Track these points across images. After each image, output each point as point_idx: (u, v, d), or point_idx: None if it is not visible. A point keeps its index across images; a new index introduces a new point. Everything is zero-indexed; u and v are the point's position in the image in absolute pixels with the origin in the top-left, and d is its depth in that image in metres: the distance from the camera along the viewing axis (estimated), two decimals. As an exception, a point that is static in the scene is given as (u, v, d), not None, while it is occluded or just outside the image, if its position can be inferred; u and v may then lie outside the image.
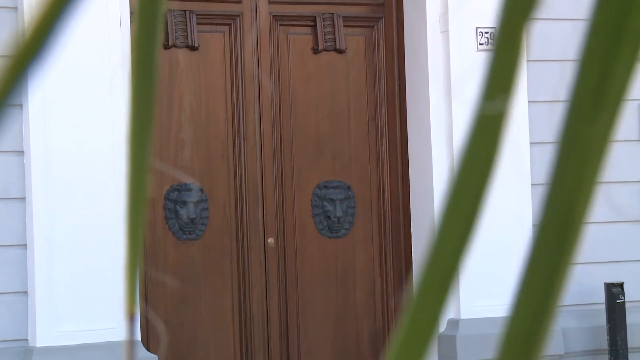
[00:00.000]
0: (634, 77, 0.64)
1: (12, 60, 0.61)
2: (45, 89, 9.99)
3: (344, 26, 11.48)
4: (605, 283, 11.03)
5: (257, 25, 11.22)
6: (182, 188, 10.88)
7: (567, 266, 0.63)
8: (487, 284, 10.99)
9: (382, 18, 11.63)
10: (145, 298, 10.39)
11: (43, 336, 10.01)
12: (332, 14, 11.41)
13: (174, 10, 10.62)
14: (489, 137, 0.64)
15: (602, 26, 0.62)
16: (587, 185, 0.62)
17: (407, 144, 11.58)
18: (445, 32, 11.29)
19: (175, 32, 10.76)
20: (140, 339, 10.18)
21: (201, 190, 10.96)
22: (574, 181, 0.62)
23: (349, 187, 11.48)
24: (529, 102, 11.41)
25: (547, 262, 0.63)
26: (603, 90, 0.63)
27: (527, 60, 11.38)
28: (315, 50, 11.39)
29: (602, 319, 11.13)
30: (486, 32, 11.30)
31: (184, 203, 10.89)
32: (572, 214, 0.62)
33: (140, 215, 0.79)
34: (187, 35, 10.81)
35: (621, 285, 11.03)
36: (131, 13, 10.29)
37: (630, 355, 11.17)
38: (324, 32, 11.40)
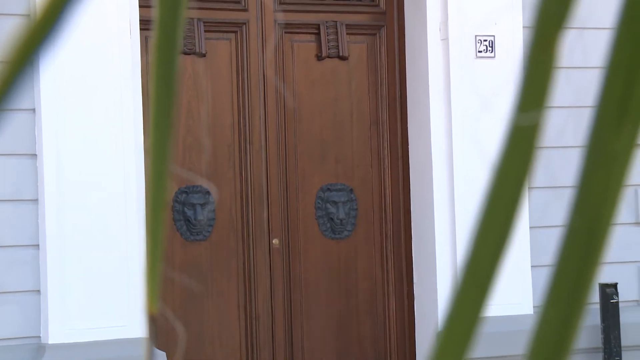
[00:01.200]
0: None
1: (16, 52, 0.61)
2: (58, 93, 10.02)
3: (347, 34, 11.48)
4: (599, 283, 11.00)
5: (263, 33, 11.24)
6: (189, 190, 10.88)
7: (594, 269, 0.64)
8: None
9: (383, 26, 11.63)
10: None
11: (55, 333, 10.00)
12: (336, 22, 11.41)
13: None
14: (524, 148, 0.63)
15: (628, 40, 0.62)
16: (613, 195, 0.62)
17: (407, 148, 11.58)
18: (445, 39, 11.28)
19: (184, 39, 10.74)
20: (149, 337, 10.16)
21: (208, 192, 10.97)
22: (600, 190, 0.62)
23: (351, 190, 11.48)
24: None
25: (575, 266, 0.64)
26: (627, 104, 0.62)
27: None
28: (319, 57, 11.39)
29: (597, 318, 11.12)
30: (485, 40, 11.29)
31: (192, 205, 10.89)
32: (599, 221, 0.62)
33: (160, 218, 0.79)
34: (194, 42, 10.81)
35: (615, 285, 11.02)
36: (141, 21, 10.29)
37: (623, 353, 11.17)
38: (328, 39, 11.40)
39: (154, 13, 0.80)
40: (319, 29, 11.36)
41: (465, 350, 0.67)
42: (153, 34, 0.80)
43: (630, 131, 0.64)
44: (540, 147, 0.65)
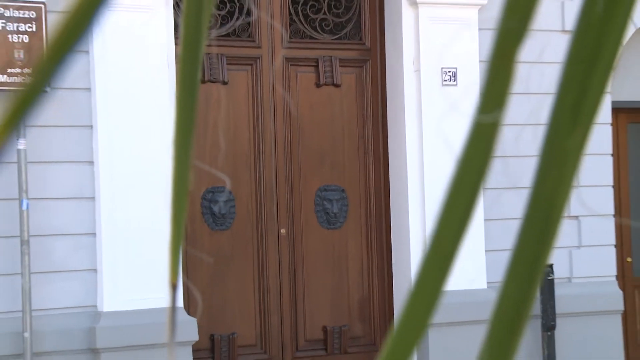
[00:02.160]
0: (604, 100, 0.64)
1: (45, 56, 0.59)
2: (110, 113, 10.01)
3: (340, 66, 11.46)
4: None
5: (273, 65, 11.22)
6: (215, 191, 10.90)
7: (548, 252, 0.63)
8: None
9: (368, 60, 11.61)
10: (186, 273, 10.39)
11: (108, 303, 10.00)
12: (331, 57, 11.40)
13: (209, 54, 10.64)
14: (486, 141, 0.62)
15: (579, 57, 0.62)
16: (565, 187, 0.62)
17: (387, 157, 11.58)
18: (418, 71, 11.27)
19: (211, 70, 10.76)
20: (182, 305, 10.17)
21: (230, 192, 10.97)
22: (553, 184, 0.62)
23: (343, 190, 11.47)
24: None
25: (531, 250, 0.63)
26: (579, 110, 0.63)
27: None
28: (318, 85, 11.37)
29: (537, 292, 11.10)
30: (449, 72, 11.29)
31: (216, 202, 10.89)
32: (553, 210, 0.62)
33: (182, 207, 0.80)
34: (219, 73, 10.81)
35: (551, 265, 11.01)
36: (177, 55, 10.28)
37: (557, 319, 11.17)
38: (324, 70, 11.38)
39: (179, 50, 0.80)
40: (317, 62, 11.35)
41: (429, 316, 0.66)
42: (177, 67, 0.80)
43: (581, 133, 0.63)
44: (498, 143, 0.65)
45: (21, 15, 9.61)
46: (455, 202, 0.65)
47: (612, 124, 12.19)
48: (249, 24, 11.18)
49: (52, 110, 9.86)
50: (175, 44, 10.29)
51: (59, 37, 0.59)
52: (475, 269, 11.21)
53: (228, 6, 10.89)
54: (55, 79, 0.58)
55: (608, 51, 0.63)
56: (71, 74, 9.92)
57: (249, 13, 11.09)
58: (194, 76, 0.77)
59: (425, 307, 0.65)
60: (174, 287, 0.84)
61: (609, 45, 0.63)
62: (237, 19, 11.05)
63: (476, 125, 0.63)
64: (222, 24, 10.84)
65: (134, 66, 10.10)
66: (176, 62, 10.14)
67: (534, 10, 0.64)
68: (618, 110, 12.34)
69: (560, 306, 11.16)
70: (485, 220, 11.26)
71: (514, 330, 0.65)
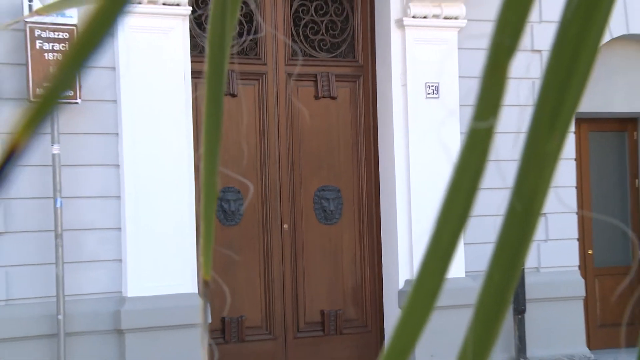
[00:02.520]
0: (578, 108, 0.63)
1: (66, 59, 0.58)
2: (134, 121, 10.01)
3: (336, 81, 11.44)
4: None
5: (276, 80, 11.22)
6: (225, 190, 10.88)
7: (529, 243, 0.63)
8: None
9: (361, 75, 11.60)
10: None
11: (132, 289, 9.98)
12: (328, 72, 11.39)
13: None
14: (482, 144, 0.62)
15: (557, 69, 0.61)
16: (544, 186, 0.62)
17: (378, 161, 11.56)
18: (405, 85, 11.25)
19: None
20: (197, 292, 10.17)
21: (239, 192, 10.96)
22: (533, 182, 0.62)
23: (338, 190, 11.45)
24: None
25: (513, 241, 0.63)
26: (556, 117, 0.62)
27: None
28: (316, 97, 11.36)
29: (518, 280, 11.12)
30: (432, 86, 11.28)
31: (227, 200, 10.89)
32: (532, 207, 0.62)
33: (212, 210, 0.82)
34: (230, 86, 10.78)
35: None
36: (192, 72, 10.27)
37: (527, 304, 11.17)
38: (322, 85, 11.37)
39: (205, 66, 0.80)
40: (316, 77, 11.33)
41: (433, 304, 0.67)
42: (204, 81, 0.79)
43: (559, 137, 0.63)
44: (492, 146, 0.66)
45: (55, 36, 9.62)
46: (454, 200, 0.65)
47: (575, 133, 12.24)
48: (255, 43, 11.19)
49: (83, 119, 9.88)
50: (191, 61, 10.30)
51: (74, 49, 0.58)
52: (455, 260, 11.20)
53: (237, 28, 10.87)
54: (69, 87, 0.56)
55: (582, 67, 0.63)
56: (99, 88, 9.95)
57: (255, 33, 11.10)
58: (218, 91, 0.77)
59: (428, 295, 0.66)
60: (206, 283, 0.85)
61: (583, 63, 0.63)
62: (245, 40, 11.05)
63: (472, 130, 0.63)
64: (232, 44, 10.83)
65: (154, 80, 10.09)
66: (193, 78, 10.16)
67: (523, 28, 0.64)
68: (581, 120, 12.38)
69: (529, 292, 11.15)
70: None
71: (497, 313, 0.64)
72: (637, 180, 13.29)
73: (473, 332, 0.64)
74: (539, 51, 11.66)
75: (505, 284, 0.64)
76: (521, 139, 0.64)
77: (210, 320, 10.09)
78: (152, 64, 10.08)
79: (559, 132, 0.63)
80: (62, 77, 0.57)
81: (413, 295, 0.66)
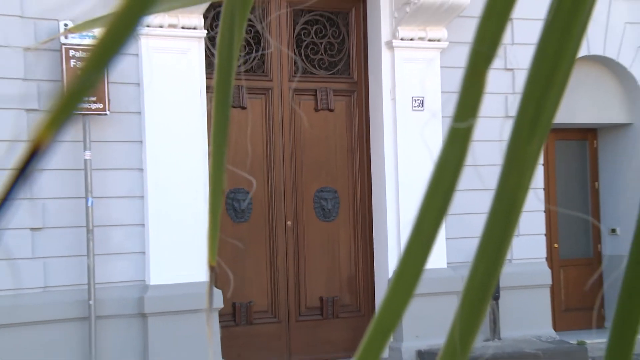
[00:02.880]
0: (556, 114, 0.62)
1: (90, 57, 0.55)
2: (156, 130, 10.00)
3: (333, 95, 11.41)
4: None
5: (280, 94, 11.21)
6: (236, 191, 10.86)
7: (510, 238, 0.61)
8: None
9: (355, 90, 11.58)
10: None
11: (154, 278, 9.98)
12: (326, 88, 11.35)
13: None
14: (461, 143, 0.60)
15: (537, 79, 0.60)
16: (525, 185, 0.60)
17: (370, 166, 11.53)
18: (394, 99, 11.23)
19: (233, 98, 10.74)
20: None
21: (247, 192, 10.94)
22: (515, 181, 0.60)
23: (335, 191, 11.42)
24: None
25: (497, 235, 0.61)
26: (536, 122, 0.61)
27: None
28: (316, 109, 11.33)
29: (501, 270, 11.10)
30: (418, 99, 11.27)
31: (237, 200, 10.87)
32: (515, 203, 0.60)
33: (218, 205, 0.80)
34: (239, 99, 10.79)
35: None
36: (208, 87, 10.26)
37: (501, 291, 11.16)
38: (321, 98, 11.35)
39: (214, 79, 0.81)
40: (316, 92, 11.30)
41: (413, 289, 0.65)
42: (213, 95, 0.79)
43: (538, 142, 0.62)
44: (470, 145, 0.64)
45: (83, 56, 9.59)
46: (435, 193, 0.63)
47: (543, 141, 12.23)
48: (262, 62, 11.18)
49: (111, 129, 9.88)
50: (207, 78, 10.30)
51: (96, 52, 0.54)
52: (438, 252, 11.19)
53: (247, 49, 10.88)
54: (90, 89, 0.55)
55: (560, 79, 0.62)
56: (126, 101, 9.96)
57: (258, 44, 11.09)
58: (226, 103, 0.78)
59: (409, 282, 0.64)
60: (212, 268, 0.83)
61: (560, 77, 0.61)
62: (253, 58, 11.05)
63: (452, 130, 0.61)
64: (242, 62, 10.82)
65: (174, 94, 10.09)
66: (207, 92, 10.16)
67: (501, 38, 0.62)
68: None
69: (503, 281, 11.08)
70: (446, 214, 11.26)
71: (482, 301, 0.63)
72: (596, 184, 13.34)
73: (460, 317, 0.63)
74: (511, 70, 11.65)
75: (489, 274, 0.62)
76: (500, 146, 0.63)
77: (222, 305, 10.08)
78: (172, 80, 10.09)
79: (539, 136, 0.61)
80: (83, 80, 0.55)
81: (396, 279, 0.64)
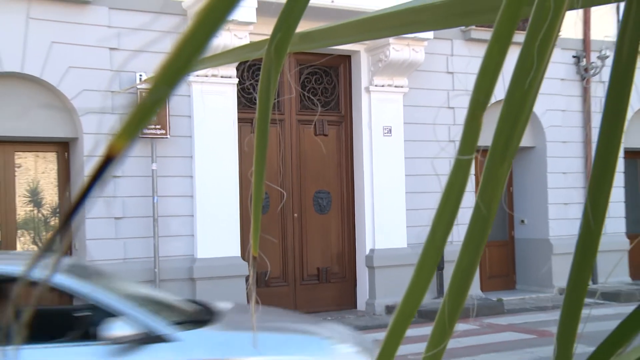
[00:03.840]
0: (519, 145, 0.58)
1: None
2: (201, 147, 9.98)
3: (327, 124, 11.37)
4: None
5: (290, 124, 11.20)
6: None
7: (487, 234, 0.58)
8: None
9: (343, 121, 11.52)
10: (244, 239, 10.34)
11: (200, 253, 9.94)
12: (322, 119, 11.31)
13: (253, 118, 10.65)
14: (464, 171, 0.57)
15: (507, 118, 0.56)
16: (498, 194, 0.56)
17: (353, 175, 11.49)
18: (370, 128, 11.23)
19: (252, 126, 10.72)
20: (241, 256, 10.15)
21: (267, 193, 10.93)
22: (491, 192, 0.56)
23: (328, 193, 11.36)
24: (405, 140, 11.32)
25: (476, 234, 0.57)
26: (508, 148, 0.57)
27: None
28: (315, 135, 11.28)
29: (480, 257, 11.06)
30: (386, 128, 11.27)
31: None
32: (490, 211, 0.56)
33: (259, 207, 0.74)
34: (262, 128, 10.77)
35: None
36: (239, 118, 10.24)
37: (445, 264, 11.12)
38: (318, 127, 11.30)
39: (256, 115, 0.74)
40: (315, 122, 11.29)
41: (429, 282, 0.60)
42: (255, 124, 0.75)
43: (508, 164, 0.57)
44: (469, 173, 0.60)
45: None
46: (445, 208, 0.58)
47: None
48: (277, 101, 11.17)
49: (171, 148, 9.88)
50: (237, 112, 10.28)
51: (164, 72, 0.46)
52: (401, 237, 11.22)
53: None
54: (161, 104, 0.47)
55: (526, 112, 0.57)
56: (181, 128, 9.92)
57: (278, 94, 11.10)
58: (265, 133, 0.72)
59: (425, 277, 0.59)
60: (254, 257, 0.76)
61: (527, 109, 0.57)
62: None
63: (457, 161, 0.57)
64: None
65: (214, 124, 10.08)
66: (238, 122, 10.10)
67: (493, 90, 0.56)
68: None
69: (446, 257, 11.11)
70: (407, 209, 11.27)
71: (466, 283, 0.58)
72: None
73: (449, 295, 0.58)
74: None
75: (472, 263, 0.58)
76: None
77: (247, 273, 10.04)
78: (213, 113, 10.08)
79: (509, 159, 0.57)
80: (155, 94, 0.47)
81: (416, 275, 0.59)
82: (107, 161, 0.45)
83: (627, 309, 10.20)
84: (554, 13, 0.51)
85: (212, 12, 0.44)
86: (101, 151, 0.46)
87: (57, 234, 0.44)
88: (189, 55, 0.45)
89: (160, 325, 4.34)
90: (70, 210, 0.44)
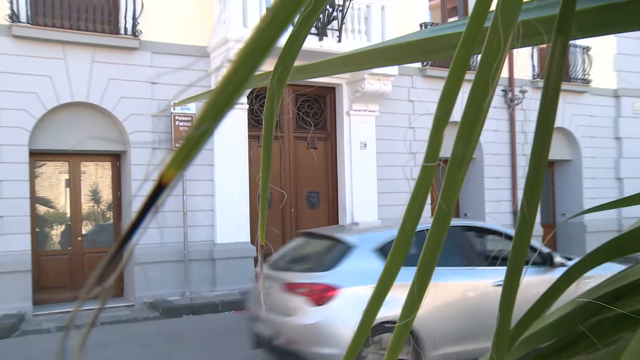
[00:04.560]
0: (473, 154, 0.55)
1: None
2: (220, 159, 9.94)
3: (317, 140, 11.38)
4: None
5: (288, 140, 11.18)
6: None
7: (447, 226, 0.54)
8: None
9: (329, 138, 11.52)
10: (252, 227, 10.32)
11: (219, 239, 9.91)
12: (313, 136, 11.30)
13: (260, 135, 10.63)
14: (429, 175, 0.53)
15: (464, 132, 0.53)
16: (455, 196, 0.53)
17: (337, 179, 11.50)
18: (350, 143, 11.24)
19: (259, 141, 10.69)
20: (251, 242, 10.12)
21: (270, 194, 10.88)
22: (451, 194, 0.53)
23: (318, 193, 11.34)
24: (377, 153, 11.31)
25: (439, 226, 0.54)
26: (464, 158, 0.53)
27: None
28: (307, 148, 11.28)
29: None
30: (363, 143, 11.28)
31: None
32: (449, 209, 0.53)
33: (265, 204, 0.72)
34: (261, 144, 10.72)
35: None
36: (249, 135, 10.21)
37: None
38: (310, 142, 11.28)
39: (262, 132, 0.70)
40: (307, 138, 11.29)
41: (402, 261, 0.57)
42: (262, 141, 0.74)
43: (465, 170, 0.54)
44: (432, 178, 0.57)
45: (185, 119, 9.57)
46: (413, 206, 0.55)
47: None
48: (278, 121, 11.12)
49: (198, 157, 9.81)
50: (247, 130, 10.26)
51: (209, 109, 0.42)
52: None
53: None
54: (208, 137, 0.42)
55: (479, 129, 0.53)
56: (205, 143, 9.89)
57: (279, 115, 11.08)
58: (269, 142, 0.70)
59: (398, 260, 0.56)
60: (262, 246, 0.73)
61: (478, 130, 0.53)
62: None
63: (423, 167, 0.54)
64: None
65: (229, 140, 10.05)
66: (248, 138, 10.06)
67: (452, 109, 0.53)
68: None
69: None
70: (378, 206, 11.28)
71: (429, 268, 0.55)
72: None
73: (417, 275, 0.55)
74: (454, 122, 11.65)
75: (434, 251, 0.55)
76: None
77: (255, 255, 10.03)
78: (229, 132, 10.07)
79: (464, 167, 0.54)
80: (200, 128, 0.41)
81: (390, 259, 0.56)
82: (159, 189, 0.41)
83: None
84: (502, 50, 0.50)
85: (250, 55, 0.41)
86: (154, 180, 0.42)
87: (116, 252, 0.40)
88: (230, 94, 0.42)
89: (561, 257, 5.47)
90: (127, 233, 0.41)
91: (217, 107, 0.42)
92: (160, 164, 0.43)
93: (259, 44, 0.40)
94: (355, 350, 0.57)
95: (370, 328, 0.56)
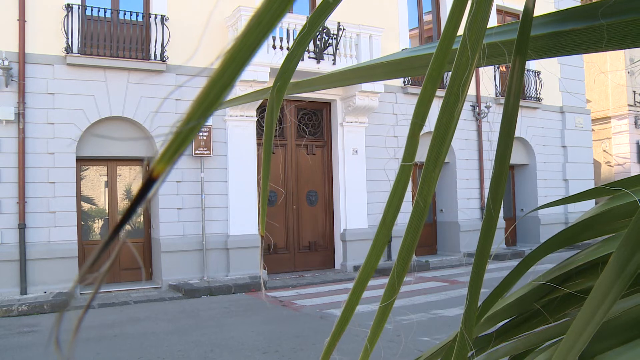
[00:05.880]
0: (446, 155, 0.52)
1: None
2: (233, 163, 9.90)
3: (315, 147, 11.36)
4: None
5: (291, 148, 11.15)
6: (271, 193, 10.74)
7: (424, 219, 0.53)
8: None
9: (325, 145, 11.50)
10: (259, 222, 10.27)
11: (232, 231, 9.87)
12: (312, 144, 11.28)
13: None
14: (407, 173, 0.52)
15: (438, 136, 0.51)
16: (431, 192, 0.52)
17: (332, 180, 11.47)
18: (343, 149, 11.22)
19: (271, 148, 10.65)
20: (258, 233, 10.05)
21: (274, 192, 10.87)
22: (427, 191, 0.52)
23: (316, 192, 11.32)
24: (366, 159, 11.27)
25: (416, 219, 0.53)
26: (438, 159, 0.51)
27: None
28: (307, 154, 11.26)
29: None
30: (354, 150, 11.26)
31: (270, 196, 10.73)
32: (425, 204, 0.52)
33: (266, 199, 0.70)
34: (273, 149, 10.71)
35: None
36: (258, 143, 10.19)
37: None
38: (309, 149, 11.29)
39: (263, 140, 0.68)
40: (307, 145, 11.28)
41: (381, 252, 0.55)
42: (263, 147, 0.73)
43: (439, 169, 0.52)
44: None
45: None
46: (392, 200, 0.53)
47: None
48: (283, 131, 11.14)
49: (213, 162, 9.81)
50: (257, 138, 10.23)
51: (196, 102, 0.37)
52: (363, 220, 11.19)
53: (276, 125, 10.81)
54: (194, 134, 0.37)
55: (451, 133, 0.52)
56: (219, 149, 9.84)
57: (281, 123, 11.07)
58: (269, 152, 0.68)
59: (379, 249, 0.54)
60: (262, 237, 0.72)
61: (451, 131, 0.52)
62: (277, 129, 11.00)
63: (401, 166, 0.52)
64: (276, 132, 10.74)
65: (241, 147, 10.01)
66: (257, 145, 10.02)
67: (427, 115, 0.51)
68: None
69: (393, 233, 11.07)
70: (367, 202, 11.25)
71: (408, 256, 0.54)
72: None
73: (397, 263, 0.54)
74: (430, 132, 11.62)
75: (412, 241, 0.54)
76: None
77: (260, 245, 9.99)
78: (240, 140, 10.04)
79: (438, 167, 0.52)
80: (190, 125, 0.37)
81: (372, 247, 0.55)
82: (150, 183, 0.37)
83: (504, 264, 10.20)
84: (470, 65, 0.50)
85: (232, 62, 0.39)
86: (144, 174, 0.38)
87: (109, 239, 0.38)
88: (217, 93, 0.39)
89: None
90: (119, 223, 0.37)
91: (204, 105, 0.38)
92: (152, 158, 0.40)
93: (245, 47, 0.38)
94: (334, 343, 0.55)
95: (349, 321, 0.54)
